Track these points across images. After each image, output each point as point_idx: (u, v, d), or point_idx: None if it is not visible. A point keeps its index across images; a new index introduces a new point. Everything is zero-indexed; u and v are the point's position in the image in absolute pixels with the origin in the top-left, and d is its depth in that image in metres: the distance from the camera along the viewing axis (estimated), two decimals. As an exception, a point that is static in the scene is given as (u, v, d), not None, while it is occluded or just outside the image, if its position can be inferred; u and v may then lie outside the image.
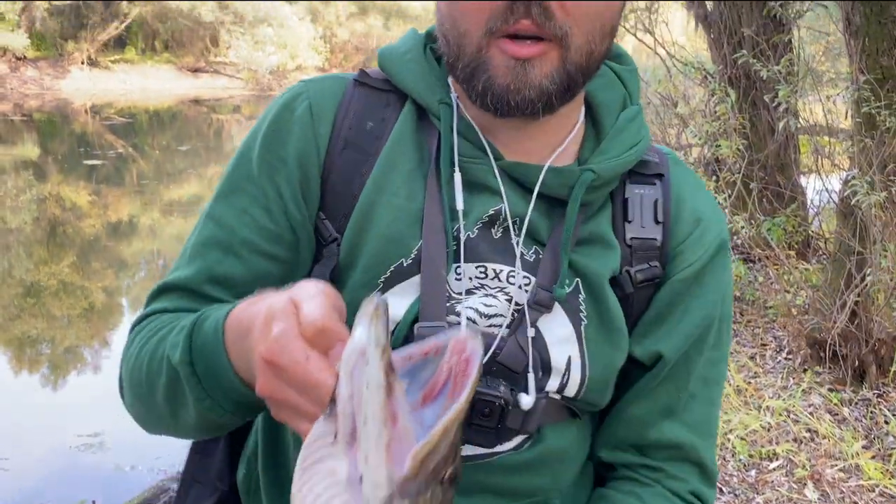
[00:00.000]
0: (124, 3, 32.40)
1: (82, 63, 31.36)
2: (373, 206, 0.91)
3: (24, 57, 29.43)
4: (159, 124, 23.64)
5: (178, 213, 11.76)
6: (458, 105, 0.94)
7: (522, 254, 0.92)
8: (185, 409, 0.84)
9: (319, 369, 0.58)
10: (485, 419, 0.87)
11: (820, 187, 5.82)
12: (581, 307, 0.92)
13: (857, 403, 3.96)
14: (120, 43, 33.99)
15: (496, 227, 0.92)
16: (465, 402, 0.51)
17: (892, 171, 3.85)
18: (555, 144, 0.95)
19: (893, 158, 3.94)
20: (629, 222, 0.96)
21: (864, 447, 3.54)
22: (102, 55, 32.58)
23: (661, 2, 8.21)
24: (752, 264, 5.65)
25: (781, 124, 4.33)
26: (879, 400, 3.95)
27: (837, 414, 3.86)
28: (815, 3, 7.81)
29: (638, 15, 7.16)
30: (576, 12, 0.82)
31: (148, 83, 32.78)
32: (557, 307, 0.90)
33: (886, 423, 3.72)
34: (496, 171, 0.92)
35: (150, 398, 0.88)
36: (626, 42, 7.67)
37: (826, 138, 6.05)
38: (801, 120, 5.59)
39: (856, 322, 3.97)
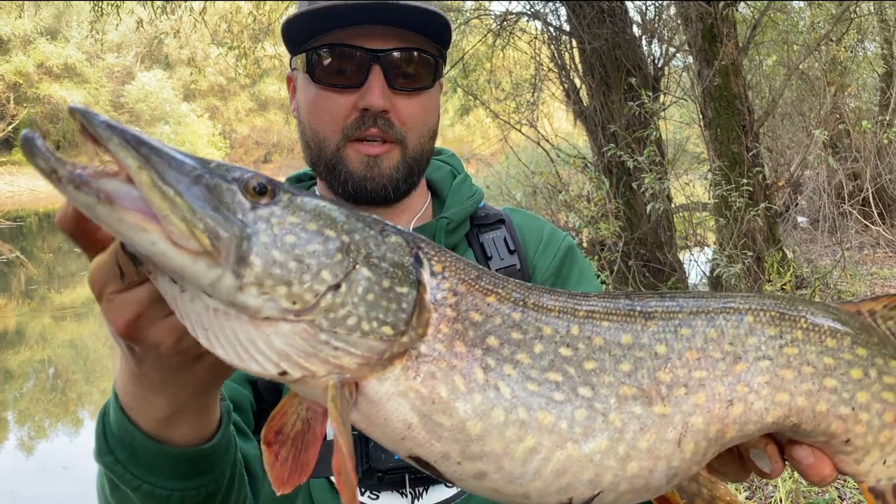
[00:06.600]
0: (11, 104, 31.43)
1: (-36, 166, 29.96)
2: None
3: None
4: (50, 227, 22.65)
5: (70, 317, 11.24)
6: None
7: None
8: None
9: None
10: None
11: (698, 260, 6.38)
12: None
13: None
14: (7, 144, 32.74)
15: None
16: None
17: (745, 244, 4.34)
18: (412, 218, 1.30)
19: (747, 234, 4.46)
20: (490, 258, 1.28)
21: (747, 497, 3.84)
22: (-13, 157, 31.28)
23: (543, 98, 8.92)
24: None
25: (649, 207, 4.82)
26: (759, 453, 4.29)
27: (723, 469, 4.17)
28: (678, 99, 8.69)
29: (522, 112, 7.78)
30: (409, 122, 1.18)
31: (38, 185, 31.50)
32: None
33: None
34: None
35: None
36: (513, 136, 8.29)
37: (697, 214, 6.70)
38: (673, 200, 6.17)
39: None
